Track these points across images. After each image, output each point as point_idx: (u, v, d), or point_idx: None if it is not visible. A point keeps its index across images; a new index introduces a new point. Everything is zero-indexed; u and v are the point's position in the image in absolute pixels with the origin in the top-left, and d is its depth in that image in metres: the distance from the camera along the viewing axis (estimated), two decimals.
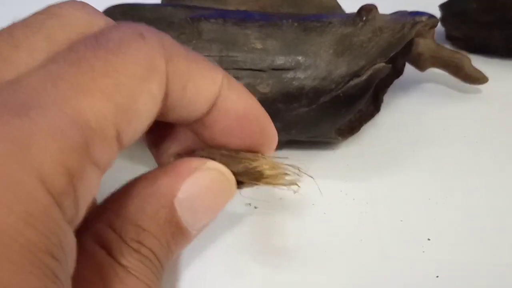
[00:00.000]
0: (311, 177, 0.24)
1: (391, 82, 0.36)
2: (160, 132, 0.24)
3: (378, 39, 0.30)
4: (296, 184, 0.23)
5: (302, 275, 0.26)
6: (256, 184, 0.22)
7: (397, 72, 0.35)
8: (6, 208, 0.13)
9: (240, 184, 0.22)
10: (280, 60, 0.29)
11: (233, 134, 0.21)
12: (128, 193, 0.20)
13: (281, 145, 0.33)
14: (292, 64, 0.29)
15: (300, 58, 0.29)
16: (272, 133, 0.23)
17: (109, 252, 0.19)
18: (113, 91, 0.16)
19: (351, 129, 0.34)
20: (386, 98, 0.36)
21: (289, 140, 0.32)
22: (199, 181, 0.21)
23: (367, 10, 0.30)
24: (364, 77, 0.29)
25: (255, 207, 0.29)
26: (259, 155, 0.22)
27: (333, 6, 0.36)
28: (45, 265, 0.14)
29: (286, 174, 0.22)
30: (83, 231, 0.19)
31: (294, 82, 0.29)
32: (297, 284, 0.26)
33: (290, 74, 0.29)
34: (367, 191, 0.31)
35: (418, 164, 0.33)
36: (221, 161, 0.21)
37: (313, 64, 0.29)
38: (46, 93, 0.15)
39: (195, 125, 0.21)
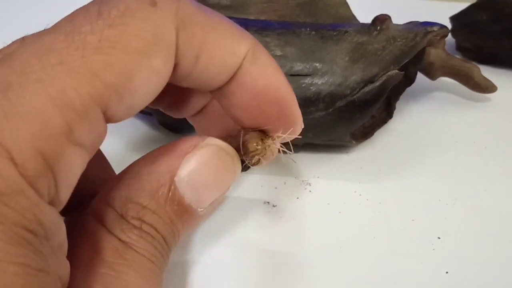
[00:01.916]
0: (289, 152, 0.23)
1: (403, 90, 0.37)
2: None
3: (391, 47, 0.31)
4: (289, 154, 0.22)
5: (317, 270, 0.27)
6: (249, 159, 0.22)
7: (409, 80, 0.37)
8: None
9: (243, 163, 0.22)
10: (298, 66, 0.31)
11: (248, 110, 0.21)
12: (128, 173, 0.20)
13: (298, 148, 0.34)
14: (310, 70, 0.31)
15: (317, 64, 0.31)
16: (294, 116, 0.22)
17: (109, 230, 0.19)
18: (103, 70, 0.16)
19: (364, 134, 0.35)
20: (398, 105, 0.38)
21: (306, 143, 0.34)
22: (199, 157, 0.20)
23: (382, 20, 0.32)
24: (378, 83, 0.31)
25: (274, 206, 0.31)
26: (267, 134, 0.22)
27: (349, 17, 0.38)
28: (22, 238, 0.14)
29: (272, 150, 0.22)
30: (85, 212, 0.20)
31: (311, 88, 0.30)
32: (313, 278, 0.27)
33: (307, 80, 0.31)
34: (380, 192, 0.32)
35: (429, 168, 0.34)
36: (225, 140, 0.21)
37: (330, 70, 0.31)
38: (31, 69, 0.15)
39: (215, 93, 0.21)
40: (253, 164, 0.22)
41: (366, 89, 0.31)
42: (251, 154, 0.21)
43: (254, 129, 0.22)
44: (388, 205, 0.31)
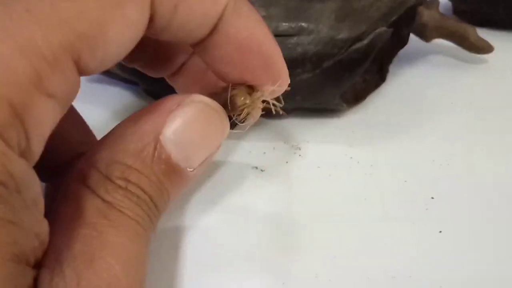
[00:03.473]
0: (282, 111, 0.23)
1: (396, 53, 0.36)
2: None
3: (379, 3, 0.30)
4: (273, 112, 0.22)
5: (309, 234, 0.26)
6: (237, 115, 0.21)
7: (402, 42, 0.36)
8: None
9: (230, 119, 0.21)
10: (283, 27, 0.30)
11: (232, 63, 0.20)
12: (113, 135, 0.20)
13: (287, 112, 0.34)
14: (295, 30, 0.30)
15: (303, 24, 0.30)
16: (279, 68, 0.21)
17: (93, 190, 0.18)
18: (73, 19, 0.15)
19: (356, 98, 0.34)
20: (391, 68, 0.37)
21: (295, 107, 0.33)
22: (184, 115, 0.20)
23: None
24: (365, 41, 0.30)
25: (262, 170, 0.30)
26: (254, 89, 0.21)
27: None
28: None
29: (260, 104, 0.21)
30: (71, 174, 0.19)
31: (297, 48, 0.30)
32: (305, 242, 0.26)
33: (293, 40, 0.30)
34: (372, 155, 0.31)
35: (423, 130, 0.33)
36: (210, 96, 0.21)
37: (316, 29, 0.30)
38: None
39: (197, 48, 0.20)
40: (242, 120, 0.21)
41: (354, 47, 0.30)
42: (239, 108, 0.21)
43: (240, 85, 0.21)
44: (380, 167, 0.30)
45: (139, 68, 0.24)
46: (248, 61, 0.20)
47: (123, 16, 0.16)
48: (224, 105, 0.21)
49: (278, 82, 0.21)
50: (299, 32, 0.30)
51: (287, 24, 0.30)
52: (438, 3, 0.38)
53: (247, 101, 0.21)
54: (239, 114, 0.21)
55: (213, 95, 0.21)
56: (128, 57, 0.24)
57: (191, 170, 0.21)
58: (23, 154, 0.15)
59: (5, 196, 0.14)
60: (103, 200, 0.18)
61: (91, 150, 0.20)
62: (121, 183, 0.19)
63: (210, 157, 0.22)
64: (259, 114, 0.22)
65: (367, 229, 0.27)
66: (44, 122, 0.15)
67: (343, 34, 0.30)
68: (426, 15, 0.37)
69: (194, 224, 0.27)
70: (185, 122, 0.20)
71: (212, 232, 0.26)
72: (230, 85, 0.21)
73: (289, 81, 0.22)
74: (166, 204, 0.21)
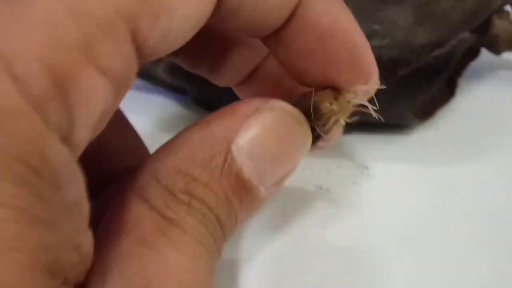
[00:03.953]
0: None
1: (467, 65, 0.33)
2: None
3: (462, 6, 0.27)
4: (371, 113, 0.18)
5: (383, 267, 0.23)
6: (322, 123, 0.18)
7: (474, 53, 0.32)
8: None
9: (314, 131, 0.18)
10: None
11: (313, 57, 0.17)
12: (177, 141, 0.17)
13: (351, 127, 0.30)
14: (368, 33, 0.26)
15: (376, 26, 0.27)
16: (368, 63, 0.18)
17: (152, 205, 0.16)
18: None
19: (425, 113, 0.31)
20: (460, 83, 0.33)
21: (360, 122, 0.29)
22: (261, 122, 0.17)
23: None
24: (447, 47, 0.27)
25: (327, 190, 0.27)
26: (340, 92, 0.18)
27: None
28: (19, 174, 0.11)
29: (349, 109, 0.18)
30: (126, 186, 0.17)
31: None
32: (379, 277, 0.23)
33: None
34: (449, 178, 0.28)
35: (501, 150, 0.30)
36: (291, 102, 0.17)
37: (391, 32, 0.26)
38: None
39: (269, 41, 0.17)
40: (327, 131, 0.18)
41: (433, 54, 0.27)
42: (325, 116, 0.17)
43: (323, 89, 0.18)
44: (461, 192, 0.27)
45: (203, 75, 0.21)
46: (332, 53, 0.17)
47: None
48: (306, 114, 0.18)
49: (370, 79, 0.18)
50: (372, 35, 0.26)
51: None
52: (509, 13, 0.35)
53: (334, 107, 0.17)
54: (324, 124, 0.18)
55: (293, 101, 0.18)
56: (191, 60, 0.21)
57: (263, 189, 0.17)
58: (65, 140, 0.12)
59: (37, 186, 0.11)
60: (163, 216, 0.15)
61: (150, 158, 0.17)
62: (184, 197, 0.16)
63: (287, 175, 0.18)
64: (348, 121, 0.18)
65: (457, 262, 0.23)
66: (92, 102, 0.13)
67: (422, 39, 0.26)
68: (497, 25, 0.34)
69: (252, 256, 0.24)
70: (262, 131, 0.17)
71: (273, 266, 0.23)
72: (312, 90, 0.18)
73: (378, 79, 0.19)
74: (233, 228, 0.18)
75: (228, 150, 0.16)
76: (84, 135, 0.13)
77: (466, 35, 0.27)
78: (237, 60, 0.21)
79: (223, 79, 0.22)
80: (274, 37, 0.17)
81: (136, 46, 0.13)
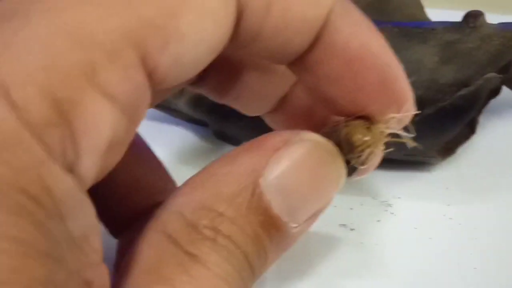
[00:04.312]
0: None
1: (487, 102, 0.33)
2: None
3: (487, 47, 0.27)
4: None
5: None
6: (354, 157, 0.17)
7: (494, 91, 0.32)
8: None
9: (348, 163, 0.17)
10: None
11: (342, 83, 0.16)
12: (202, 176, 0.16)
13: None
14: None
15: (402, 64, 0.26)
16: (402, 89, 0.17)
17: (175, 240, 0.15)
18: (136, 1, 0.12)
19: (446, 150, 0.31)
20: (481, 120, 0.33)
21: (383, 158, 0.29)
22: (292, 155, 0.16)
23: (475, 16, 0.28)
24: (473, 87, 0.26)
25: (352, 229, 0.26)
26: (373, 121, 0.16)
27: (424, 18, 0.34)
28: (18, 204, 0.10)
29: (382, 140, 0.17)
30: (149, 222, 0.16)
31: None
32: None
33: None
34: (473, 216, 0.27)
35: None
36: (323, 132, 0.17)
37: (417, 71, 0.26)
38: None
39: (295, 66, 0.16)
40: (362, 163, 0.17)
41: (460, 93, 0.26)
42: (358, 148, 0.16)
43: (355, 118, 0.17)
44: (486, 232, 0.26)
45: (231, 104, 0.21)
46: (362, 79, 0.16)
47: (201, 4, 0.13)
48: (339, 146, 0.17)
49: (404, 105, 0.17)
50: None
51: None
52: None
53: (367, 138, 0.16)
54: (359, 156, 0.17)
55: (324, 133, 0.17)
56: (217, 90, 0.21)
57: (294, 226, 0.16)
58: (71, 169, 0.11)
59: (39, 217, 0.11)
60: (186, 252, 0.15)
61: (174, 193, 0.16)
62: (209, 233, 0.15)
63: (321, 211, 0.17)
64: (382, 153, 0.17)
65: None
66: (99, 130, 0.12)
67: (447, 78, 0.26)
68: None
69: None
70: (292, 164, 0.16)
71: None
72: (344, 119, 0.17)
73: (414, 106, 0.18)
74: (264, 266, 0.17)
75: (256, 185, 0.15)
76: (91, 165, 0.12)
77: (492, 75, 0.27)
78: (264, 88, 0.20)
79: (251, 108, 0.21)
80: (300, 62, 0.16)
81: (147, 72, 0.12)
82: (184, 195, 0.16)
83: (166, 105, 0.31)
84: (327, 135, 0.17)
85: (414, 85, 0.26)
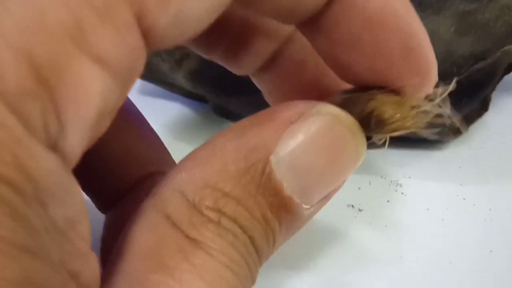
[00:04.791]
0: None
1: (501, 79, 0.31)
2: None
3: (506, 17, 0.25)
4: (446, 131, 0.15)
5: (422, 285, 0.21)
6: (381, 133, 0.15)
7: (509, 68, 0.31)
8: None
9: (368, 139, 0.15)
10: None
11: (359, 47, 0.14)
12: (206, 151, 0.14)
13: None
14: None
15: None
16: (425, 56, 0.15)
17: (174, 223, 0.13)
18: None
19: (458, 128, 0.29)
20: (493, 97, 0.32)
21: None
22: (307, 130, 0.14)
23: None
24: (490, 60, 0.25)
25: (360, 210, 0.25)
26: (397, 93, 0.15)
27: None
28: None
29: (421, 115, 0.15)
30: (147, 199, 0.14)
31: None
32: None
33: None
34: (488, 197, 0.26)
35: None
36: (339, 104, 0.15)
37: (431, 43, 0.25)
38: None
39: (306, 28, 0.15)
40: (384, 143, 0.15)
41: (476, 66, 0.25)
42: (390, 125, 0.14)
43: (377, 89, 0.15)
44: (501, 212, 0.25)
45: (218, 61, 0.19)
46: (382, 43, 0.14)
47: None
48: (360, 121, 0.15)
49: (428, 75, 0.15)
50: None
51: None
52: None
53: (398, 115, 0.15)
54: (389, 130, 0.15)
55: (337, 105, 0.15)
56: (205, 44, 0.19)
57: (307, 208, 0.15)
58: (54, 147, 0.10)
59: (17, 206, 0.09)
60: (187, 237, 0.13)
61: (175, 168, 0.15)
62: (213, 215, 0.13)
63: (334, 192, 0.16)
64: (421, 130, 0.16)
65: (496, 282, 0.22)
66: (87, 100, 0.10)
67: (464, 51, 0.25)
68: None
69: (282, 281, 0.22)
70: (307, 140, 0.14)
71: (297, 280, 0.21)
72: (373, 91, 0.15)
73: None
74: (270, 251, 0.15)
75: (266, 162, 0.14)
76: (78, 140, 0.10)
77: (510, 47, 0.25)
78: (254, 45, 0.18)
79: (238, 66, 0.19)
80: (312, 23, 0.14)
81: (143, 32, 0.11)
82: (186, 172, 0.14)
83: (163, 79, 0.29)
84: (344, 105, 0.15)
85: None
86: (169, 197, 0.14)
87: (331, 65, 0.16)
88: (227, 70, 0.19)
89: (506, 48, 0.25)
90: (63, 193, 0.10)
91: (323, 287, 0.22)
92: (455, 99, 0.25)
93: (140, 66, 0.11)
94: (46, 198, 0.10)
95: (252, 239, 0.14)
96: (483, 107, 0.31)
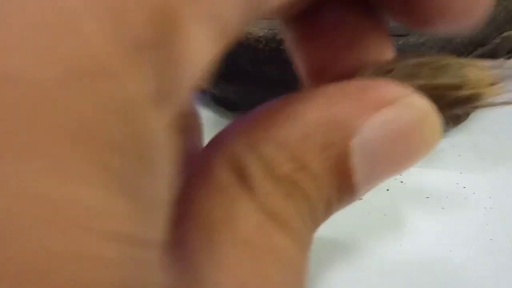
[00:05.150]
0: None
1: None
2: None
3: (506, 3, 0.25)
4: None
5: (424, 280, 0.21)
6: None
7: (510, 52, 0.31)
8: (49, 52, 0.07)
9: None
10: (391, 25, 0.25)
11: None
12: (286, 109, 0.13)
13: None
14: (404, 30, 0.25)
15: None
16: None
17: (251, 189, 0.12)
18: None
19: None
20: None
21: None
22: (395, 121, 0.13)
23: None
24: (490, 46, 0.25)
25: (360, 198, 0.25)
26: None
27: None
28: (107, 170, 0.08)
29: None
30: (213, 148, 0.13)
31: (407, 50, 0.24)
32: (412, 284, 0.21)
33: (401, 41, 0.25)
34: (488, 185, 0.26)
35: None
36: (421, 78, 0.14)
37: None
38: None
39: None
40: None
41: (476, 53, 0.25)
42: (478, 92, 0.14)
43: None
44: (502, 201, 0.25)
45: None
46: None
47: None
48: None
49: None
50: (409, 31, 0.25)
51: (395, 22, 0.25)
52: None
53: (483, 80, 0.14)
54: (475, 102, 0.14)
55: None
56: None
57: (363, 191, 0.14)
58: (163, 105, 0.09)
59: (133, 184, 0.08)
60: (264, 209, 0.12)
61: (250, 122, 0.13)
62: (288, 186, 0.13)
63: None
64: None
65: (497, 277, 0.21)
66: (198, 58, 0.09)
67: (463, 37, 0.25)
68: None
69: None
70: (392, 132, 0.13)
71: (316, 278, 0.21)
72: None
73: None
74: (322, 222, 0.14)
75: (347, 143, 0.13)
76: (183, 97, 0.09)
77: (510, 33, 0.25)
78: None
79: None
80: None
81: None
82: (262, 129, 0.13)
83: None
84: (415, 70, 0.14)
85: (427, 44, 0.24)
86: (244, 155, 0.13)
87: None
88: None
89: (505, 34, 0.25)
90: (166, 156, 0.09)
91: (320, 274, 0.22)
92: None
93: (241, 28, 0.10)
94: (155, 166, 0.09)
95: (316, 216, 0.13)
96: None
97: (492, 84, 0.14)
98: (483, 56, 0.25)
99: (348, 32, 0.15)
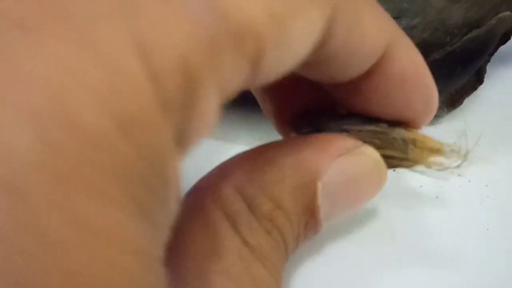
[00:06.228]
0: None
1: (496, 50, 0.30)
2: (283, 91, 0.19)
3: None
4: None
5: (419, 272, 0.21)
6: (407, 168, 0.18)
7: (504, 38, 0.30)
8: (90, 94, 0.08)
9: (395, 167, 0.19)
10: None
11: (393, 104, 0.17)
12: (263, 158, 0.16)
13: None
14: (395, 12, 0.24)
15: (405, 4, 0.24)
16: (435, 103, 0.18)
17: (236, 228, 0.15)
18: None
19: (452, 102, 0.28)
20: (488, 69, 0.31)
21: None
22: (349, 167, 0.17)
23: None
24: (485, 28, 0.24)
25: None
26: (411, 130, 0.18)
27: None
28: (137, 201, 0.09)
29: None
30: (204, 190, 0.16)
31: None
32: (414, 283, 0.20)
33: None
34: (484, 173, 0.25)
35: None
36: (372, 143, 0.17)
37: (422, 11, 0.24)
38: None
39: (341, 88, 0.17)
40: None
41: (470, 35, 0.24)
42: (413, 162, 0.18)
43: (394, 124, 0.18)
44: (499, 189, 0.24)
45: None
46: (411, 98, 0.17)
47: (305, 14, 0.12)
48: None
49: (430, 117, 0.19)
50: (400, 14, 0.24)
51: (385, 4, 0.24)
52: None
53: (424, 153, 0.19)
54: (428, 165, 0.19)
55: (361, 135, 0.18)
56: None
57: (325, 226, 0.17)
58: (179, 141, 0.11)
59: (154, 214, 0.10)
60: (246, 243, 0.15)
61: (236, 166, 0.16)
62: (267, 225, 0.15)
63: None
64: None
65: (493, 269, 0.21)
66: (209, 115, 0.11)
67: (457, 19, 0.24)
68: None
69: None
70: (349, 176, 0.17)
71: (299, 269, 0.21)
72: (401, 127, 0.18)
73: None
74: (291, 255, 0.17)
75: (315, 185, 0.16)
76: (196, 139, 0.11)
77: (506, 14, 0.24)
78: None
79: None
80: (349, 85, 0.16)
81: (254, 66, 0.11)
82: (246, 174, 0.16)
83: None
84: (368, 136, 0.17)
85: (420, 27, 0.23)
86: (229, 195, 0.15)
87: (346, 106, 0.18)
88: None
89: (501, 15, 0.24)
90: (176, 192, 0.11)
91: (312, 261, 0.21)
92: (449, 69, 0.24)
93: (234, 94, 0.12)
94: (170, 198, 0.10)
95: (287, 249, 0.16)
96: (478, 80, 0.29)
97: (431, 157, 0.19)
98: (478, 38, 0.24)
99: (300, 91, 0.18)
